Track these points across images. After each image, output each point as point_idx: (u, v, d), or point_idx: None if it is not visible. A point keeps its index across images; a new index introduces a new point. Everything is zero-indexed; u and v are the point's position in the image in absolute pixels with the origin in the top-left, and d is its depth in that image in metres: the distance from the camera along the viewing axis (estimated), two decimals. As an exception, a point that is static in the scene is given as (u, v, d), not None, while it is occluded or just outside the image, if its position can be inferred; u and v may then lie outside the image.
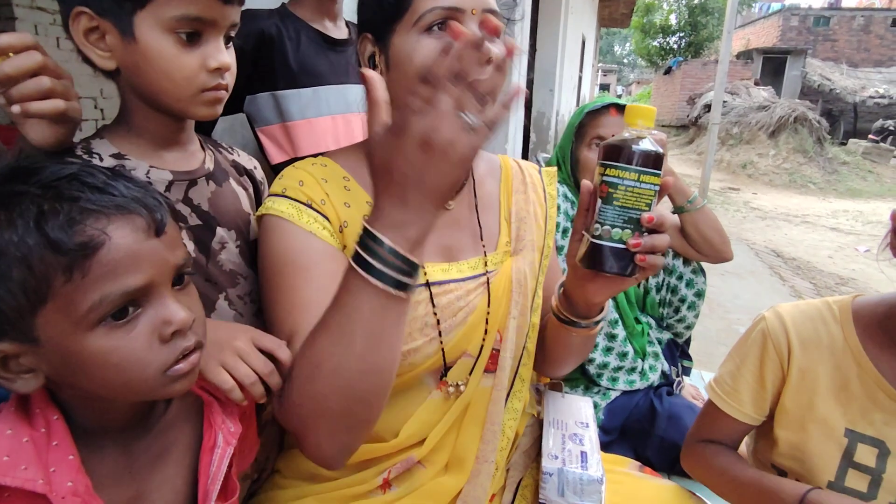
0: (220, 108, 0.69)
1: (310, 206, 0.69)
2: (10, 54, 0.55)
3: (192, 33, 0.63)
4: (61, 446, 0.48)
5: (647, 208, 0.61)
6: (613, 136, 1.34)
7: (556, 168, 0.94)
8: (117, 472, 0.52)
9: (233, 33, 0.69)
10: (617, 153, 0.60)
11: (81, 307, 0.44)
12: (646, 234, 0.61)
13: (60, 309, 0.44)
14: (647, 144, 0.60)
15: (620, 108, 1.27)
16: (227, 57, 0.67)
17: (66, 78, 0.59)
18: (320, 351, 0.54)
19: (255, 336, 0.62)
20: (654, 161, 0.60)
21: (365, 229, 0.51)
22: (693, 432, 0.93)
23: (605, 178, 0.61)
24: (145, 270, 0.47)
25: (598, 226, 0.61)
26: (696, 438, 0.92)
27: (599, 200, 0.61)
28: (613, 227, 0.61)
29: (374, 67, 0.72)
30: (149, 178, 0.67)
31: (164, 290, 0.49)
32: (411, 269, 0.51)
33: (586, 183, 0.65)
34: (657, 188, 0.61)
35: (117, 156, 0.66)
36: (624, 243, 0.61)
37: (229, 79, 0.68)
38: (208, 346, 0.58)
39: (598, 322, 0.77)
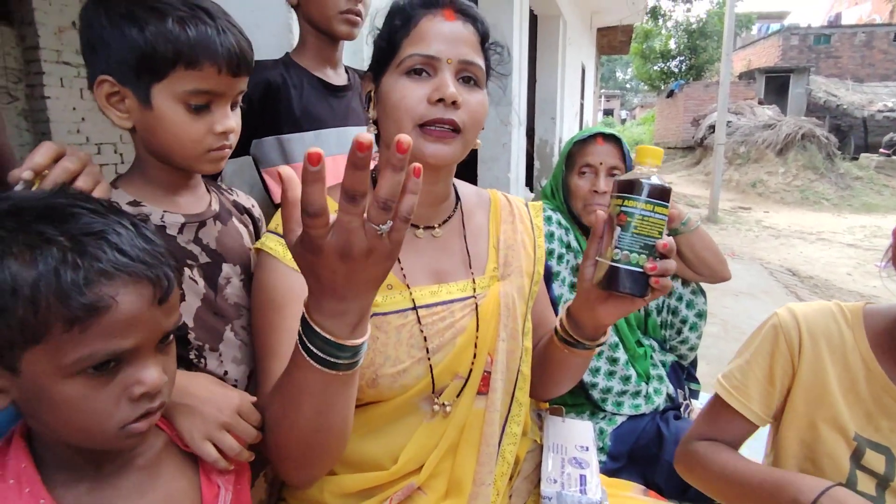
0: (224, 164, 0.76)
1: None
2: (46, 172, 0.61)
3: (202, 104, 0.70)
4: (33, 492, 0.50)
5: (660, 236, 0.68)
6: (611, 167, 1.38)
7: (541, 203, 1.01)
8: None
9: (239, 98, 0.76)
10: (634, 187, 0.68)
11: (69, 357, 0.47)
12: (659, 258, 0.68)
13: (49, 352, 0.47)
14: (657, 180, 0.69)
15: (606, 137, 1.32)
16: (232, 122, 0.74)
17: (89, 162, 0.66)
18: (277, 410, 0.62)
19: (241, 408, 0.66)
20: (664, 194, 0.68)
21: (303, 319, 0.53)
22: (692, 431, 0.89)
23: (623, 209, 0.68)
24: (138, 335, 0.50)
25: (617, 251, 0.68)
26: (694, 437, 0.88)
27: (618, 228, 0.68)
28: (631, 252, 0.67)
29: (368, 102, 0.80)
30: (163, 221, 0.73)
31: (148, 351, 0.52)
32: (350, 351, 0.54)
33: (601, 213, 0.73)
34: (667, 218, 0.69)
35: (133, 203, 0.72)
36: (641, 267, 0.67)
37: (233, 139, 0.75)
38: (195, 420, 0.63)
39: (600, 344, 0.82)
